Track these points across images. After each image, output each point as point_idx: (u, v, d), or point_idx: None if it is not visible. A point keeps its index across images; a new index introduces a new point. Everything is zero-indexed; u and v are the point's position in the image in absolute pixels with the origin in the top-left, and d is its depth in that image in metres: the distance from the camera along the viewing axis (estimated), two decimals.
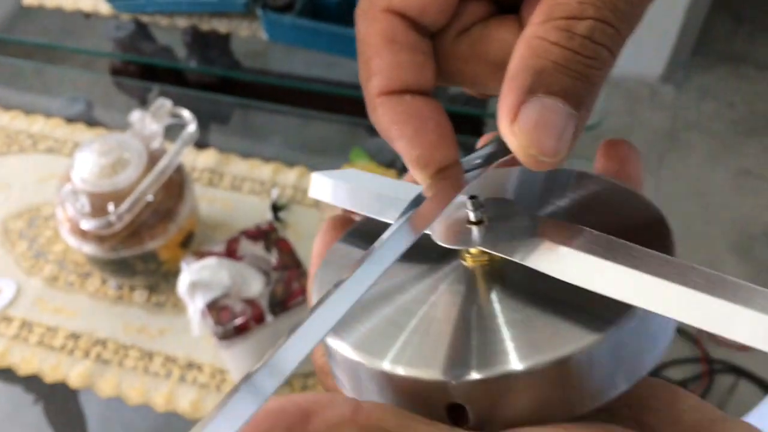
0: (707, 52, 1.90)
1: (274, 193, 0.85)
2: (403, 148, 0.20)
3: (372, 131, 0.86)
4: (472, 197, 0.21)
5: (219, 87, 1.07)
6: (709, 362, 1.37)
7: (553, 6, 0.18)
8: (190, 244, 0.76)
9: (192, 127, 0.69)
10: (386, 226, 0.22)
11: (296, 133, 1.01)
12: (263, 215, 0.82)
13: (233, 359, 0.64)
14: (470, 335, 0.19)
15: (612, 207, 0.23)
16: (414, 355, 0.19)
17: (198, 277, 0.62)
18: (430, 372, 0.18)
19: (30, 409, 0.71)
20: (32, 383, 0.72)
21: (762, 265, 1.53)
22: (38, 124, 0.96)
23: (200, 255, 0.65)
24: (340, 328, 0.20)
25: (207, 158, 0.90)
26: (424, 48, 0.21)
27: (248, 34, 0.99)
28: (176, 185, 0.72)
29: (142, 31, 1.04)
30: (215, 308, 0.61)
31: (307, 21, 0.92)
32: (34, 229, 0.84)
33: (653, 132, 1.79)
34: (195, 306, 0.62)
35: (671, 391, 0.19)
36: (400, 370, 0.19)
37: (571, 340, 0.17)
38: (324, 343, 0.21)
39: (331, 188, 0.25)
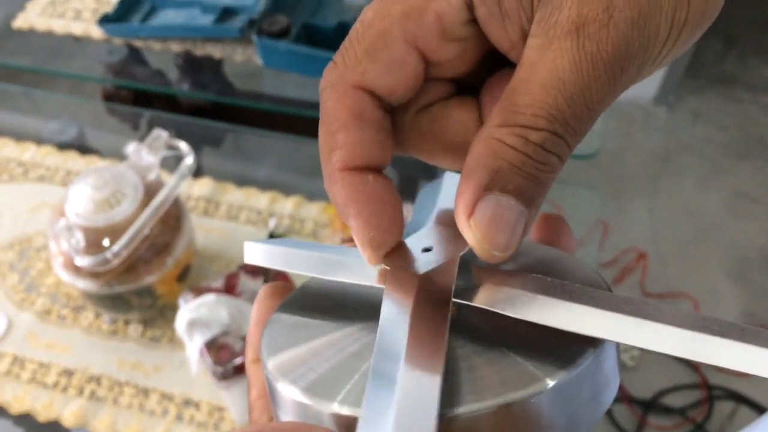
0: (699, 74, 1.91)
1: (272, 222, 0.83)
2: (358, 227, 0.21)
3: None
4: (425, 248, 0.23)
5: (212, 112, 1.06)
6: (709, 388, 1.37)
7: (510, 113, 0.20)
8: (186, 277, 0.74)
9: (189, 160, 0.68)
10: (324, 289, 0.25)
11: (290, 155, 1.00)
12: None
13: (233, 399, 0.62)
14: None
15: (558, 270, 0.24)
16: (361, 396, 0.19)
17: (196, 315, 0.60)
18: None
19: None
20: (25, 422, 0.70)
21: (757, 288, 1.53)
22: (29, 152, 0.94)
23: (198, 291, 0.63)
24: (289, 372, 0.21)
25: (202, 187, 0.88)
26: (387, 125, 0.22)
27: (242, 60, 0.99)
28: (173, 218, 0.70)
29: (134, 56, 1.03)
30: (214, 347, 0.59)
31: (302, 47, 0.91)
32: (25, 261, 0.82)
33: (647, 154, 1.79)
34: (193, 345, 0.60)
35: None
36: (347, 411, 0.19)
37: (518, 385, 0.18)
38: (269, 386, 0.22)
39: (268, 253, 0.26)
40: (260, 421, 0.24)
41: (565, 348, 0.19)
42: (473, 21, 0.21)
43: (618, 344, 0.21)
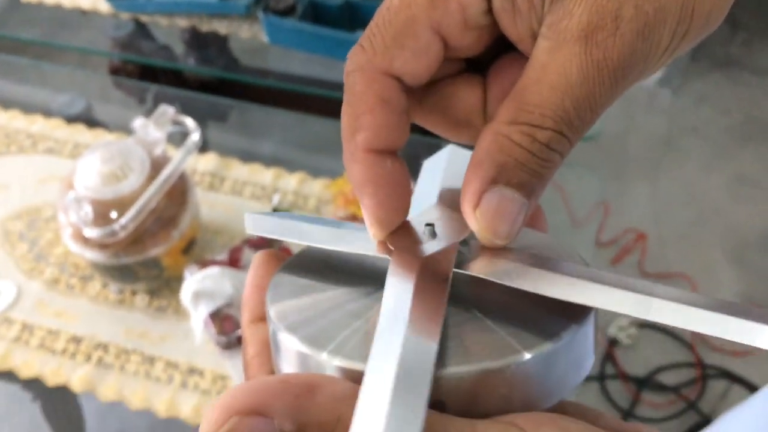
0: (704, 57, 1.91)
1: (276, 198, 0.85)
2: (371, 206, 0.23)
3: None
4: (428, 224, 0.24)
5: (217, 87, 1.07)
6: (703, 367, 1.39)
7: (519, 111, 0.21)
8: (192, 250, 0.76)
9: (195, 136, 0.70)
10: (322, 255, 0.26)
11: (295, 131, 1.01)
12: None
13: (235, 368, 0.65)
14: None
15: (548, 250, 0.26)
16: (353, 349, 0.21)
17: (201, 287, 0.62)
18: (362, 365, 0.20)
19: (29, 410, 0.71)
20: (34, 386, 0.72)
21: (755, 271, 1.55)
22: (38, 125, 0.96)
23: (203, 264, 0.65)
24: (290, 324, 0.23)
25: (208, 162, 0.90)
26: (407, 109, 0.23)
27: (248, 37, 1.00)
28: (179, 192, 0.72)
29: (141, 30, 1.04)
30: (218, 318, 0.61)
31: (308, 25, 0.92)
32: (34, 231, 0.84)
33: (650, 137, 1.80)
34: (198, 315, 0.62)
35: (578, 407, 0.22)
36: (337, 362, 0.20)
37: (502, 354, 0.20)
38: (273, 337, 0.23)
39: (268, 224, 0.27)
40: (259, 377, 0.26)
41: (550, 322, 0.21)
42: (490, 11, 0.23)
43: (596, 322, 0.23)
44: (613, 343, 1.43)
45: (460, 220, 0.24)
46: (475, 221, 0.22)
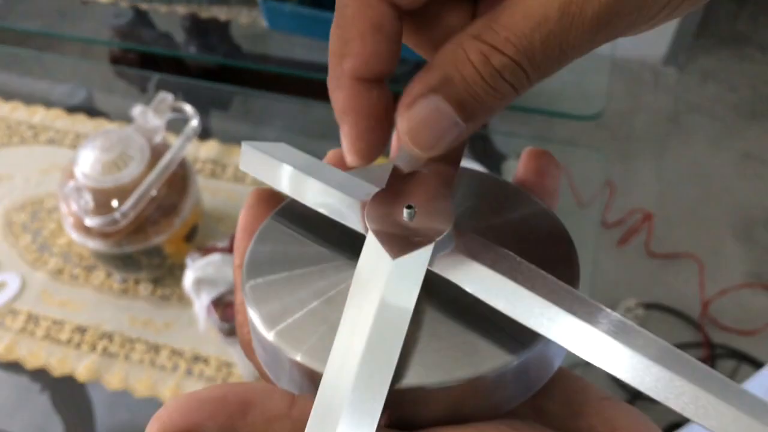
0: (710, 34, 1.89)
1: None
2: (350, 135, 0.22)
3: None
4: (408, 206, 0.22)
5: (219, 74, 1.07)
6: (711, 347, 1.38)
7: (486, 27, 0.20)
8: (194, 237, 0.76)
9: (194, 122, 0.69)
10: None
11: (297, 117, 1.01)
12: None
13: (240, 354, 0.65)
14: None
15: (531, 228, 0.24)
16: (301, 336, 0.20)
17: (202, 274, 0.62)
18: (306, 359, 0.19)
19: (38, 401, 0.72)
20: (40, 376, 0.72)
21: (762, 249, 1.54)
22: (39, 115, 0.96)
23: (204, 251, 0.65)
24: (258, 297, 0.22)
25: (209, 149, 0.90)
26: (400, 35, 0.22)
27: (248, 22, 0.99)
28: (180, 179, 0.72)
29: (141, 18, 1.04)
30: (220, 304, 0.61)
31: (307, 9, 0.91)
32: (37, 221, 0.84)
33: (655, 115, 1.78)
34: (200, 302, 0.62)
35: (563, 375, 0.21)
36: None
37: (484, 360, 0.19)
38: (249, 321, 0.22)
39: (263, 165, 0.25)
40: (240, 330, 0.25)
41: (520, 327, 0.19)
42: None
43: None
44: None
45: (444, 198, 0.22)
46: (401, 122, 0.21)
